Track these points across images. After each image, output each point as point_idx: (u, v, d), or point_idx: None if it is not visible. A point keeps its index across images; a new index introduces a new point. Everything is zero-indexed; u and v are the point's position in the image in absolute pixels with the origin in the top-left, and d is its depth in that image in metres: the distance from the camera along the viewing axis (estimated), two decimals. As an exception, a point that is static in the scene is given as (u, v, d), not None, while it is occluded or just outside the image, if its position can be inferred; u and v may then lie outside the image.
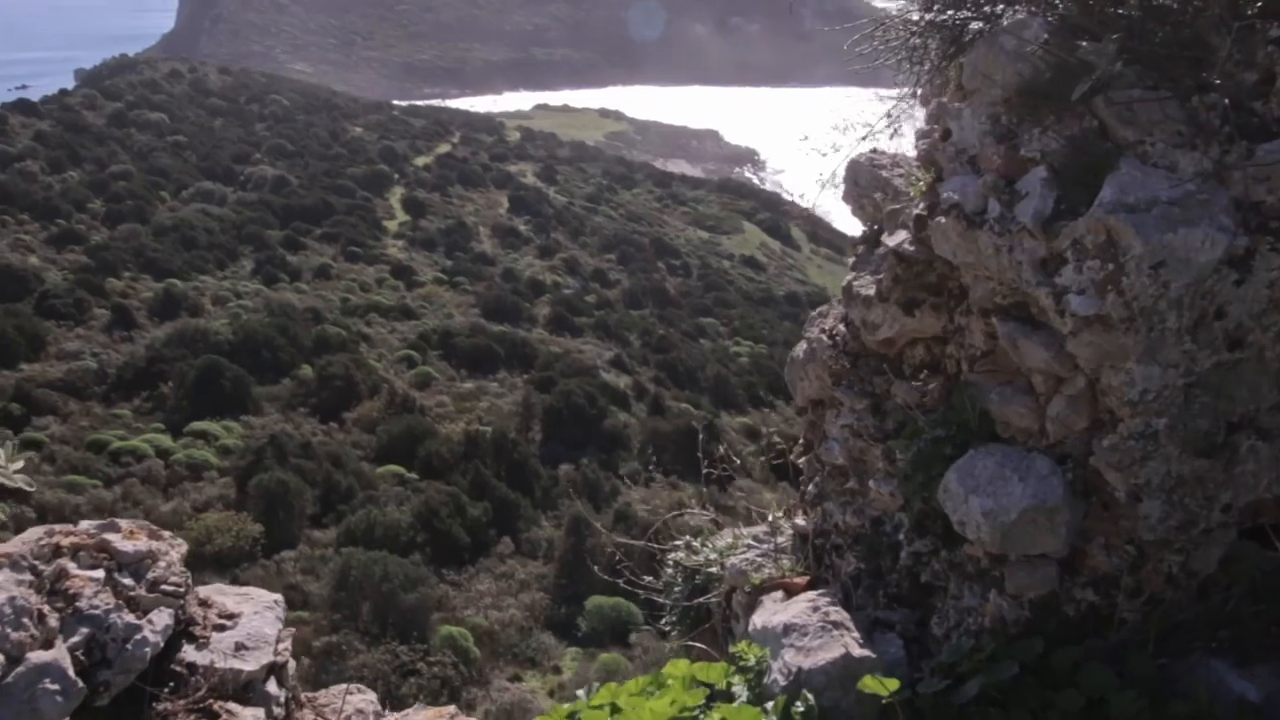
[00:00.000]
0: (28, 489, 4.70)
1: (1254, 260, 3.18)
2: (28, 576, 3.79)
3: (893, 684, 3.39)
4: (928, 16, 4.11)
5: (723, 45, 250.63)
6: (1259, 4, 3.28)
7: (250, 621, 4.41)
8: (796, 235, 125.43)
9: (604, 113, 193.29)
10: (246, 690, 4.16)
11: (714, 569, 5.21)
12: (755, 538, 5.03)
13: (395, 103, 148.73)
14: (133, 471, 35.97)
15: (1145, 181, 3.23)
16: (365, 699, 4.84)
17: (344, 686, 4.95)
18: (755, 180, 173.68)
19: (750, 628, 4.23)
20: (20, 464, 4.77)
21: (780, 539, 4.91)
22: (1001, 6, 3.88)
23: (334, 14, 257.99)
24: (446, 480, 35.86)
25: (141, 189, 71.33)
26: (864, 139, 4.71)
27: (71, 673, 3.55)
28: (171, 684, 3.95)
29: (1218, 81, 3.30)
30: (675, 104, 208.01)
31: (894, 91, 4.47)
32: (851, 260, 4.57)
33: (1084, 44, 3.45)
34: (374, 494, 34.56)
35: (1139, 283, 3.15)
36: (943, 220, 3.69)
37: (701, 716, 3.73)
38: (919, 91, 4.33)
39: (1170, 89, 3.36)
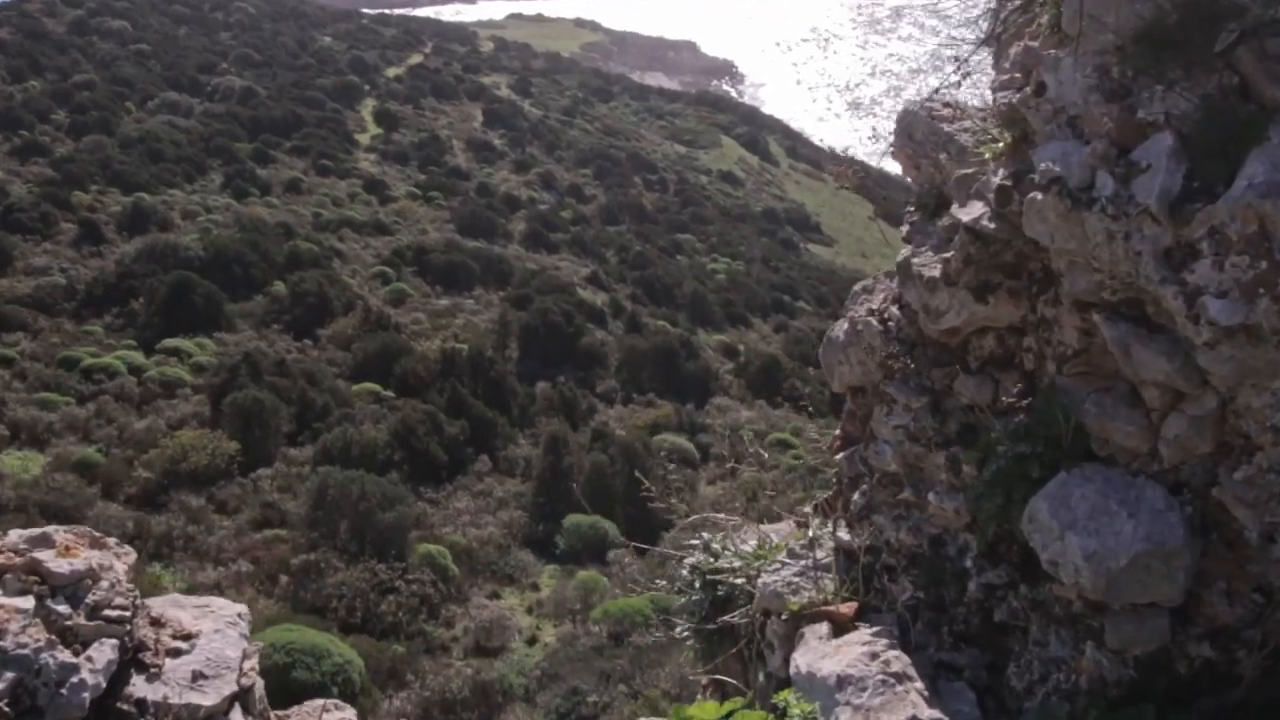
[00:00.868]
0: None
1: None
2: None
3: None
4: None
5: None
6: None
7: (210, 643, 3.89)
8: (775, 150, 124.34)
9: (579, 23, 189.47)
10: (207, 727, 3.46)
11: (739, 579, 4.51)
12: (791, 551, 4.28)
13: (364, 10, 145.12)
14: (105, 389, 35.63)
15: (1307, 157, 2.59)
16: (343, 716, 4.45)
17: (320, 703, 4.64)
18: (733, 93, 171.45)
19: (793, 670, 3.67)
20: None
21: (820, 553, 4.19)
22: None
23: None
24: (423, 398, 35.72)
25: (106, 99, 69.54)
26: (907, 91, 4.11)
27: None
28: (118, 728, 3.25)
29: None
30: (652, 12, 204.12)
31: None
32: (905, 229, 3.89)
33: None
34: (350, 412, 34.41)
35: (1302, 286, 2.53)
36: (1039, 197, 3.05)
37: None
38: (999, 29, 3.64)
39: None
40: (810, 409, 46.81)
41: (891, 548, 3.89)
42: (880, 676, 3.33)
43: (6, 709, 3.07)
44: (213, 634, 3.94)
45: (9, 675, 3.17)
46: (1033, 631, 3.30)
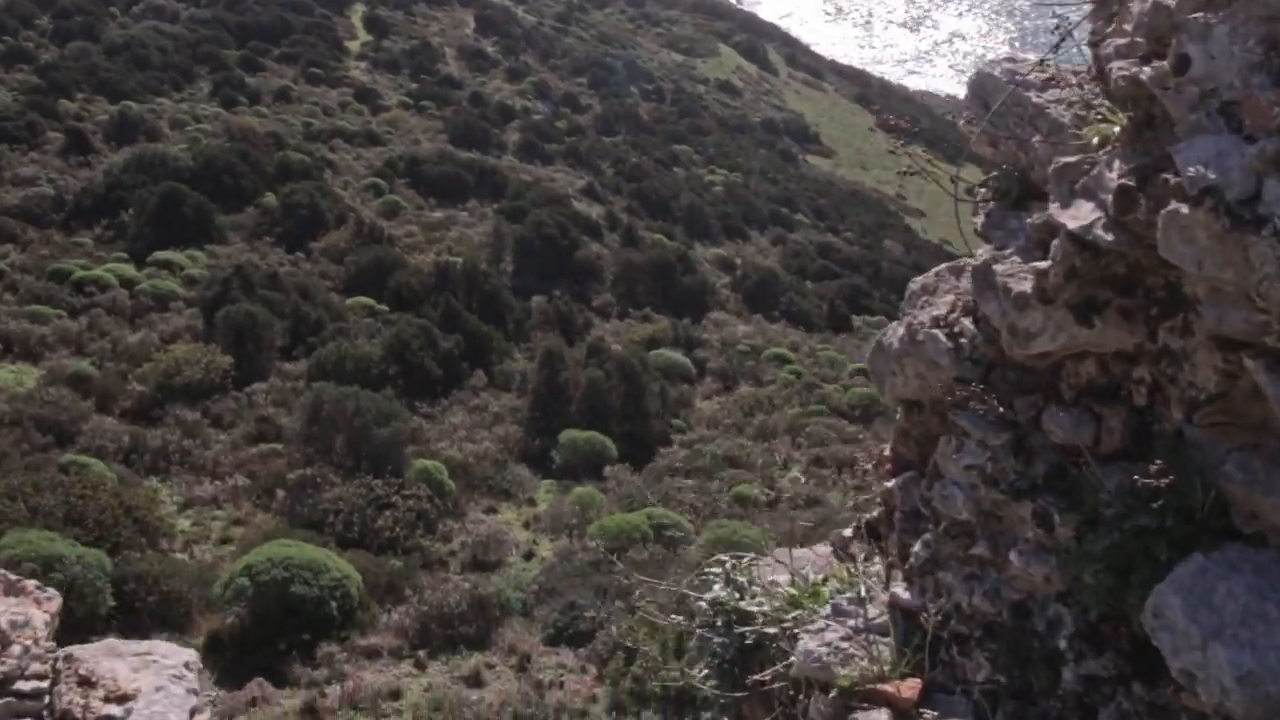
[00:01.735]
0: None
1: None
2: None
3: None
4: None
5: None
6: None
7: (151, 705, 3.26)
8: (774, 58, 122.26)
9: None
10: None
11: (771, 629, 3.84)
12: (837, 608, 3.55)
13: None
14: (97, 302, 35.32)
15: None
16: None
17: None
18: (732, 0, 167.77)
19: None
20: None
21: (872, 609, 3.48)
22: None
23: None
24: (417, 313, 35.46)
25: (90, 4, 67.84)
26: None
27: None
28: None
29: None
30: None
31: None
32: (980, 219, 3.24)
33: None
34: (344, 326, 34.19)
35: None
36: (1183, 210, 2.36)
37: None
38: None
39: None
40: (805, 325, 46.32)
41: (963, 613, 3.13)
42: None
43: None
44: (154, 693, 3.32)
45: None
46: (1155, 747, 2.60)
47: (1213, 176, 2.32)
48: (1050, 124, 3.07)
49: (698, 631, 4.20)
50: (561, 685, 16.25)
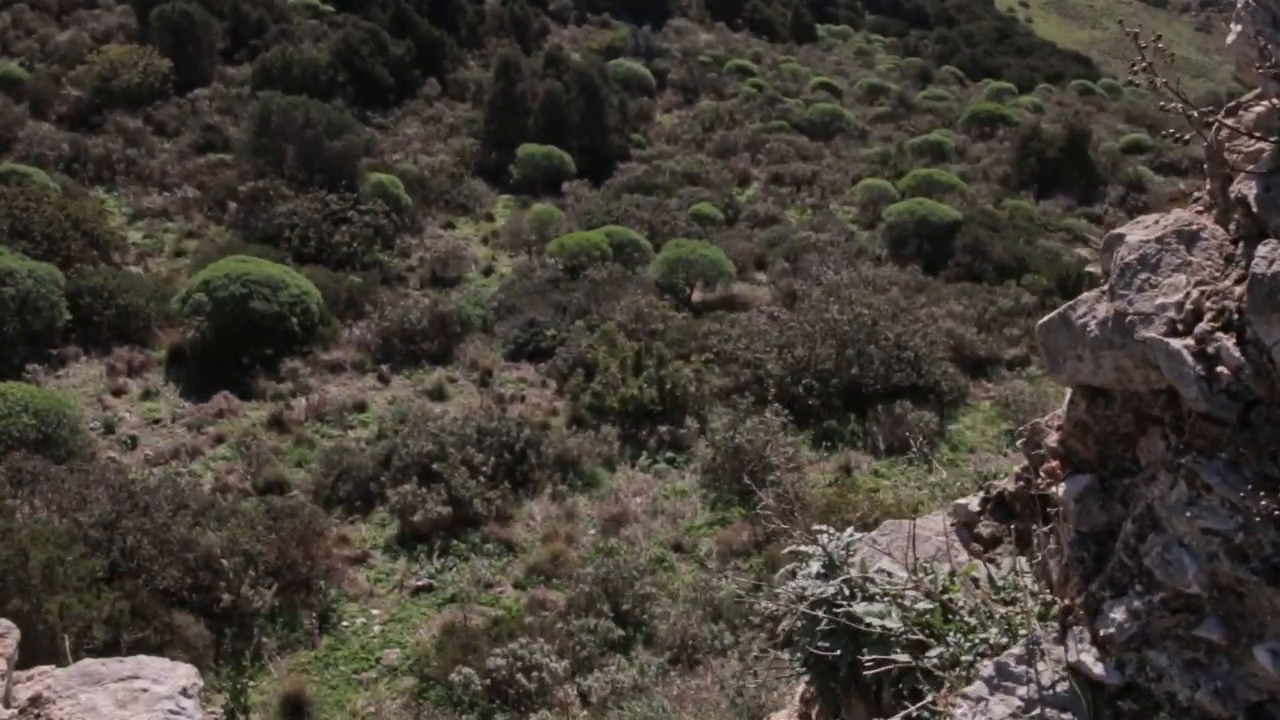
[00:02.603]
0: None
1: None
2: None
3: None
4: None
5: None
6: None
7: None
8: None
9: None
10: None
11: (900, 654, 3.07)
12: (1002, 669, 2.72)
13: None
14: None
15: None
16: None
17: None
18: None
19: None
20: None
21: (1045, 675, 2.67)
22: None
23: None
24: (365, 14, 33.69)
25: None
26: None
27: None
28: None
29: None
30: None
31: None
32: (1250, 187, 2.38)
33: None
34: (288, 28, 32.47)
35: None
36: None
37: None
38: None
39: None
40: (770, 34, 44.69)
41: (1177, 706, 2.44)
42: None
43: None
44: None
45: None
46: None
47: None
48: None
49: (796, 624, 3.48)
50: (523, 399, 16.68)
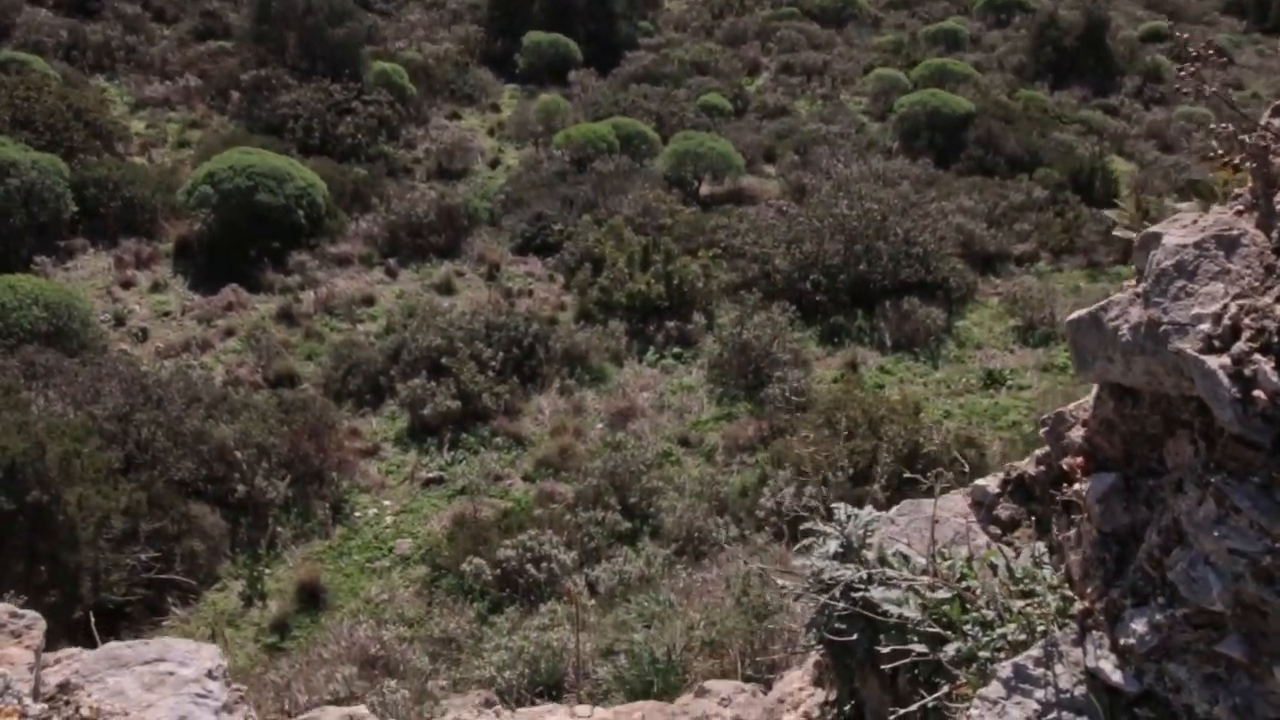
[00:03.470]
0: None
1: None
2: None
3: None
4: None
5: None
6: None
7: None
8: None
9: None
10: None
11: (917, 642, 3.05)
12: (1020, 672, 2.71)
13: None
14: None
15: None
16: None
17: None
18: None
19: None
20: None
21: (1063, 678, 2.67)
22: None
23: None
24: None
25: None
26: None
27: None
28: None
29: None
30: None
31: None
32: None
33: None
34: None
35: None
36: None
37: None
38: None
39: None
40: None
41: (1195, 718, 2.47)
42: None
43: None
44: (171, 714, 2.58)
45: None
46: None
47: None
48: None
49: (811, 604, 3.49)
50: (530, 294, 16.71)
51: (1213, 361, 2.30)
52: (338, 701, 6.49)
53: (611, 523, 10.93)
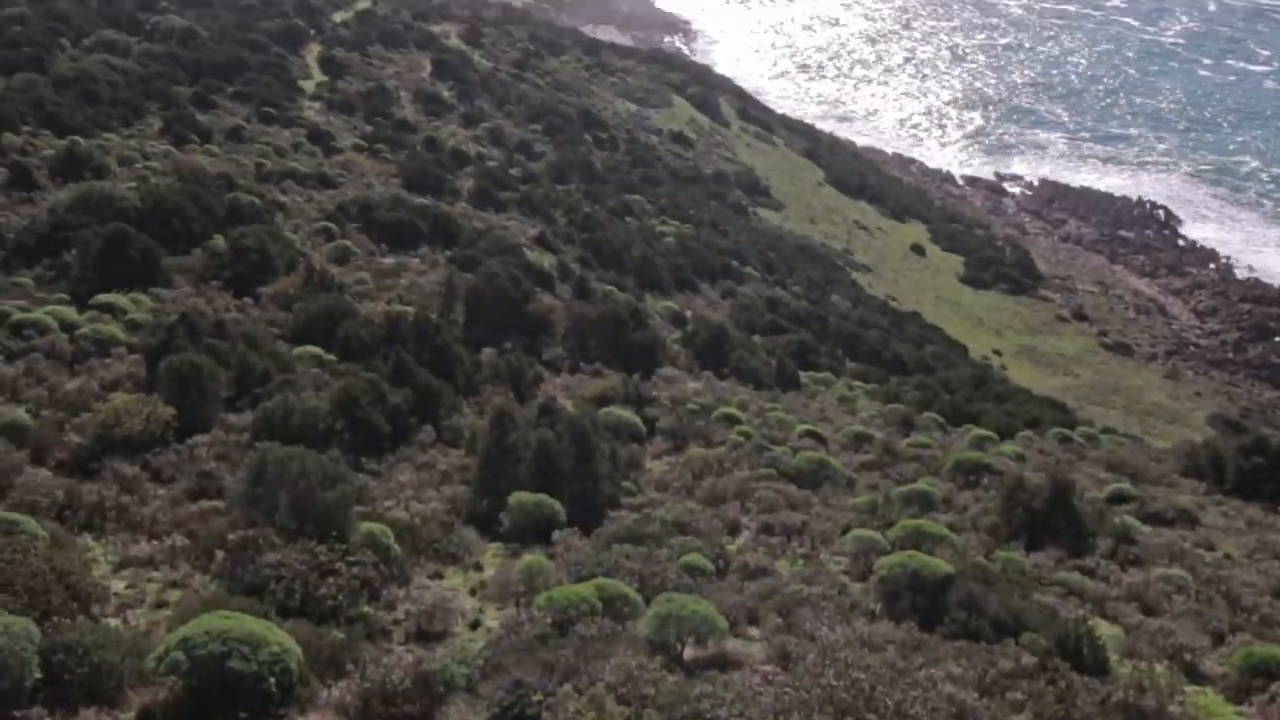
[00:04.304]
0: None
1: None
2: None
3: None
4: None
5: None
6: None
7: None
8: (726, 111, 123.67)
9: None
10: None
11: None
12: None
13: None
14: (36, 346, 34.48)
15: None
16: None
17: None
18: (686, 51, 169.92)
19: None
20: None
21: None
22: None
23: None
24: (366, 364, 35.04)
25: (39, 35, 66.90)
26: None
27: None
28: None
29: None
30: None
31: None
32: None
33: None
34: (291, 378, 33.64)
35: None
36: None
37: None
38: None
39: None
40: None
41: None
42: None
43: None
44: None
45: None
46: None
47: None
48: None
49: None
50: (507, 770, 15.85)
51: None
52: None
53: None
